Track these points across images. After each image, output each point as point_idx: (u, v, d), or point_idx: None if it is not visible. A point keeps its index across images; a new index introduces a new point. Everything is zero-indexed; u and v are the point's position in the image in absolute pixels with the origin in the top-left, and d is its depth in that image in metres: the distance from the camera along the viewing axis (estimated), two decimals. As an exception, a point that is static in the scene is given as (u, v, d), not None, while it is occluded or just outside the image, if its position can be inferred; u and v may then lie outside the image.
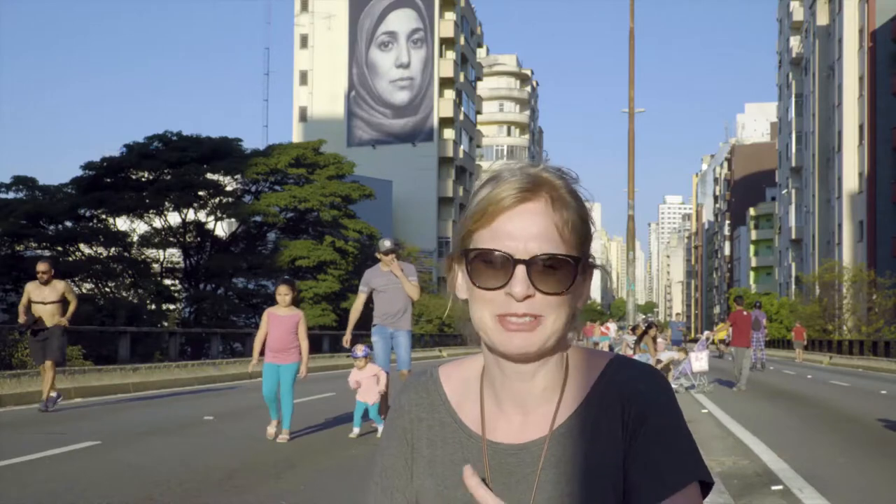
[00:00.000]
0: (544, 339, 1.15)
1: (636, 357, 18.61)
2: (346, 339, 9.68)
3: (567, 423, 1.20)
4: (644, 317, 31.46)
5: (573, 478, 1.17)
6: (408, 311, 9.58)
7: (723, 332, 31.23)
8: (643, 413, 1.17)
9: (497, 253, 1.14)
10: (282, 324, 8.76)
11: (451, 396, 1.28)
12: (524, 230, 1.14)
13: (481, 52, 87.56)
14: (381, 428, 8.82)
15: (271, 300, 40.43)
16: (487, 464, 1.21)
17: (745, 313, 18.78)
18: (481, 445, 1.23)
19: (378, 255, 9.48)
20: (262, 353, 8.89)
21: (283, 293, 8.81)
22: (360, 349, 9.04)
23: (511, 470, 1.20)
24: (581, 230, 1.18)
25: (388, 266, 9.40)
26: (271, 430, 8.76)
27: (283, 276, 9.32)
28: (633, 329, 22.51)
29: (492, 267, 1.15)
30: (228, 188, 40.05)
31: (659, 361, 18.67)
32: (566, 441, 1.19)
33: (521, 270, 1.13)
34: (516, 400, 1.22)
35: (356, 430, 9.04)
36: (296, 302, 9.07)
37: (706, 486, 1.18)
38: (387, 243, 9.47)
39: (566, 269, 1.15)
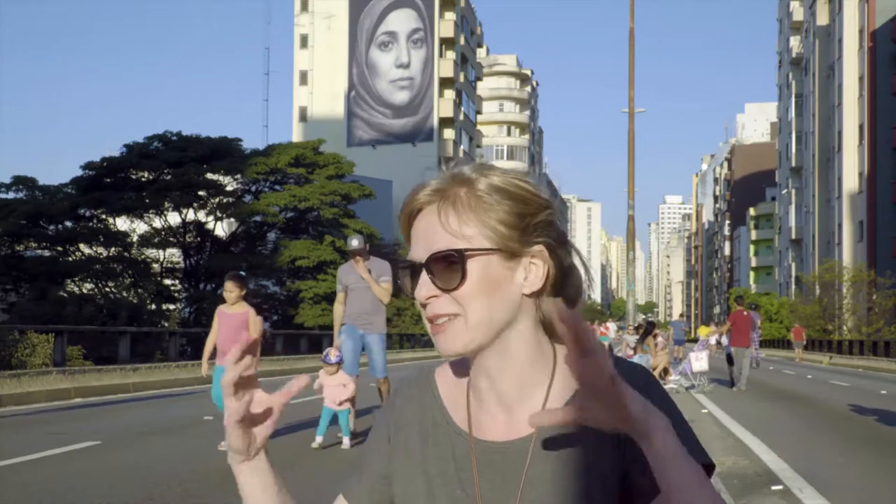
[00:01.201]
0: (467, 337, 1.17)
1: (636, 357, 18.66)
2: (337, 345, 9.12)
3: None
4: (644, 317, 31.45)
5: (561, 474, 1.18)
6: (380, 312, 8.99)
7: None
8: None
9: (404, 263, 1.20)
10: (229, 322, 8.18)
11: (444, 396, 1.30)
12: (425, 234, 1.18)
13: (481, 52, 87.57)
14: (346, 440, 8.28)
15: (271, 300, 40.13)
16: (475, 461, 1.22)
17: (745, 313, 18.79)
18: (469, 443, 1.24)
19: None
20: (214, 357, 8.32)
21: (229, 289, 8.20)
22: (333, 354, 8.30)
23: (498, 467, 1.21)
24: (495, 222, 1.17)
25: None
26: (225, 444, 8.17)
27: (231, 272, 8.68)
28: (637, 328, 22.49)
29: (408, 276, 1.20)
30: (228, 188, 40.06)
31: (665, 371, 18.67)
32: (554, 438, 1.19)
33: (423, 274, 1.17)
34: (494, 397, 1.23)
35: (319, 440, 8.20)
36: (247, 299, 8.43)
37: (709, 470, 1.20)
38: (354, 242, 8.80)
39: (455, 263, 1.16)
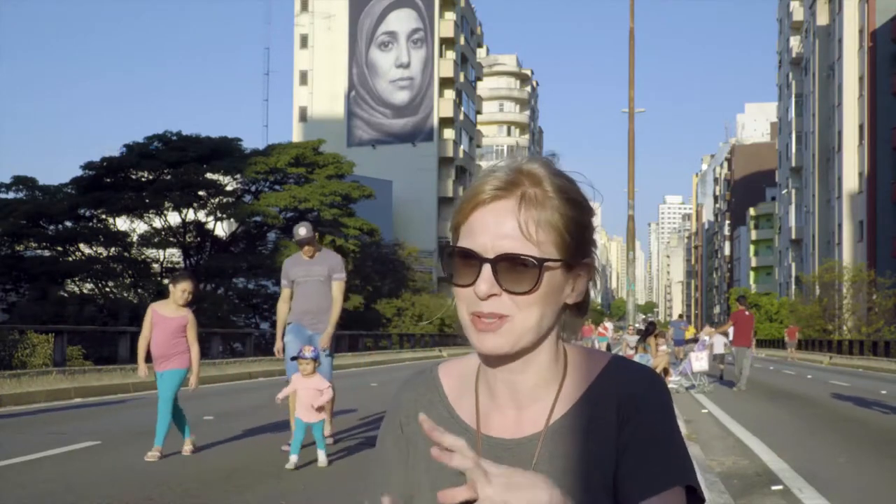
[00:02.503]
0: (514, 339, 1.16)
1: (637, 357, 18.65)
2: (278, 348, 8.18)
3: (563, 419, 1.21)
4: (644, 317, 31.48)
5: (567, 473, 1.18)
6: (330, 310, 8.13)
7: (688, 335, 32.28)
8: (635, 413, 1.18)
9: (466, 250, 1.15)
10: (166, 325, 7.54)
11: (449, 392, 1.29)
12: (494, 228, 1.14)
13: (481, 52, 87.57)
14: (322, 454, 7.11)
15: (271, 300, 39.98)
16: (481, 456, 1.22)
17: (746, 313, 18.78)
18: (475, 439, 1.23)
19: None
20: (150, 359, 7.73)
21: (188, 290, 7.56)
22: (308, 350, 7.15)
23: (505, 463, 1.21)
24: (563, 229, 1.16)
25: (308, 255, 8.11)
26: (187, 448, 7.73)
27: (181, 271, 8.03)
28: (640, 331, 22.47)
29: (464, 264, 1.16)
30: (228, 188, 40.04)
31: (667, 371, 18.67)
32: (561, 437, 1.20)
33: (486, 269, 1.13)
34: (509, 394, 1.23)
35: (294, 459, 6.99)
36: (194, 301, 7.71)
37: (697, 499, 1.18)
38: (301, 231, 7.94)
39: (531, 270, 1.14)
